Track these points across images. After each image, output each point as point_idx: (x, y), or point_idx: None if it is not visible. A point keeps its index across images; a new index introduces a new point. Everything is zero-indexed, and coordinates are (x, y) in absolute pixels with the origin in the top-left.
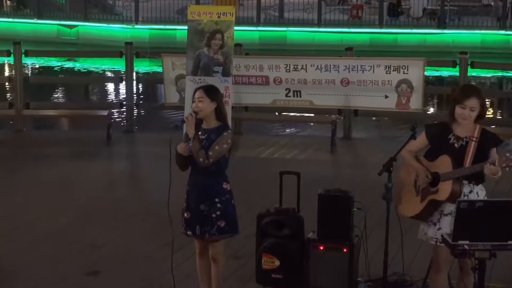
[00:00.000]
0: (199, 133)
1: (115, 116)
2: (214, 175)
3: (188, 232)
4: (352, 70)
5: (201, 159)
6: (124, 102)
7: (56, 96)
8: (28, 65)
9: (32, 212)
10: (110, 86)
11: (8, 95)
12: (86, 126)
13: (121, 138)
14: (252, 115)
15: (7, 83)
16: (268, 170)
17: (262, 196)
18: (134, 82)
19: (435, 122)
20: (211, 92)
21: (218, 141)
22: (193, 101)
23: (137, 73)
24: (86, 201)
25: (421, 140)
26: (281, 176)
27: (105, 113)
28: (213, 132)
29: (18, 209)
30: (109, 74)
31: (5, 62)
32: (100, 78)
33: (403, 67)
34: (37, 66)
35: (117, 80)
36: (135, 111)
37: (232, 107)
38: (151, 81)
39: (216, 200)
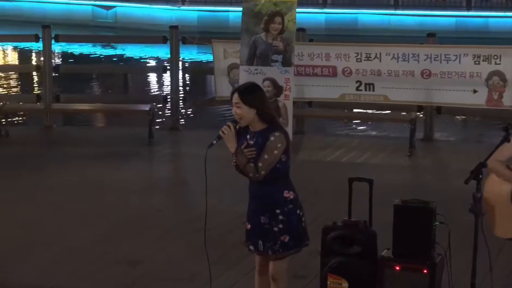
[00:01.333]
0: (248, 136)
1: (158, 111)
2: (272, 183)
3: (251, 247)
4: (434, 59)
5: (251, 174)
6: (169, 96)
7: (90, 88)
8: (58, 52)
9: (58, 221)
10: (153, 77)
11: (36, 86)
12: (124, 122)
13: (164, 137)
14: (317, 111)
15: (34, 73)
16: (335, 176)
17: (328, 207)
18: (180, 72)
19: None
20: (248, 96)
21: (266, 149)
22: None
23: (183, 61)
24: (121, 209)
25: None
26: (351, 183)
27: (146, 107)
28: (259, 135)
29: (42, 217)
30: (151, 62)
31: (33, 48)
32: (141, 68)
33: (495, 57)
34: (69, 53)
35: (160, 69)
36: (181, 106)
37: (294, 102)
38: (200, 72)
39: (277, 211)
